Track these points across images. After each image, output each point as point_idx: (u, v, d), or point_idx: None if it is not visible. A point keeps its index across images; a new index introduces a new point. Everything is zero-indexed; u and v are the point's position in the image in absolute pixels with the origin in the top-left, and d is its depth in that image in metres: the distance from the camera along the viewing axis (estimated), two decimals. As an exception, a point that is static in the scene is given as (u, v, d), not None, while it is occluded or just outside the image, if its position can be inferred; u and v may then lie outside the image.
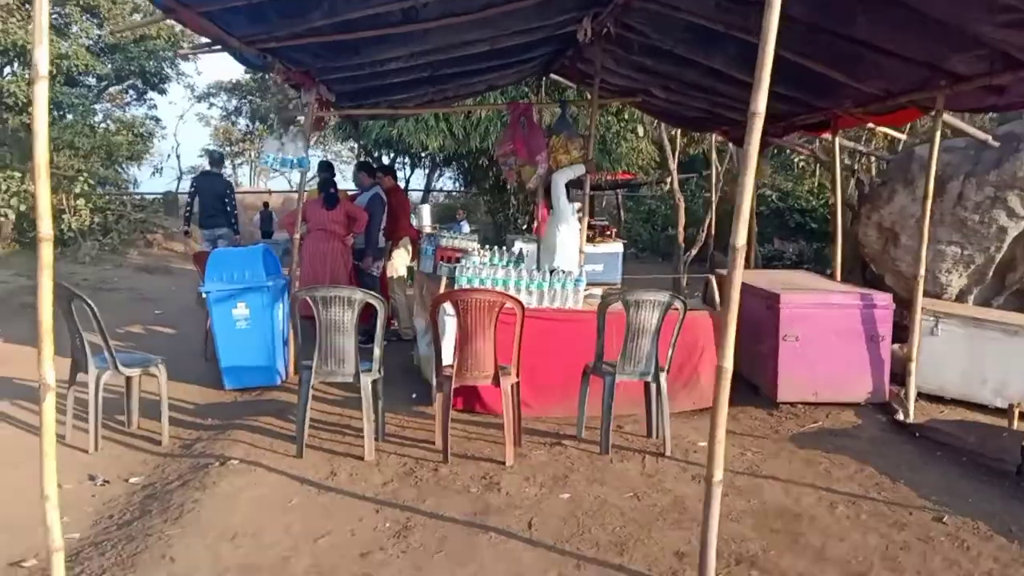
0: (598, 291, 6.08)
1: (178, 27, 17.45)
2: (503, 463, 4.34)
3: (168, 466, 4.26)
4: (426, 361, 5.97)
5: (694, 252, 13.11)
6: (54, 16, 15.66)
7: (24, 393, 5.57)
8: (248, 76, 22.56)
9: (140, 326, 8.45)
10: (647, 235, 20.40)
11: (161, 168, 20.34)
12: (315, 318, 4.24)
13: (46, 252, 2.61)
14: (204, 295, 5.87)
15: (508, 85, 10.12)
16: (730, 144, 12.38)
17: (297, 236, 7.11)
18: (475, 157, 15.09)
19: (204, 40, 4.80)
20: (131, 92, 17.46)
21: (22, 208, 11.46)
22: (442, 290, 5.53)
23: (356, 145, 16.26)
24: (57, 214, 13.62)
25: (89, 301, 4.33)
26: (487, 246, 7.03)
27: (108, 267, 13.23)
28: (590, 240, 10.36)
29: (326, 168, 7.78)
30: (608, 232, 19.49)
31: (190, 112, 45.33)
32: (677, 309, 4.50)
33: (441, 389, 4.36)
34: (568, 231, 6.37)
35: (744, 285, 5.90)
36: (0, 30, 12.77)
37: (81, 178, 13.43)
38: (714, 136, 12.87)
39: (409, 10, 4.82)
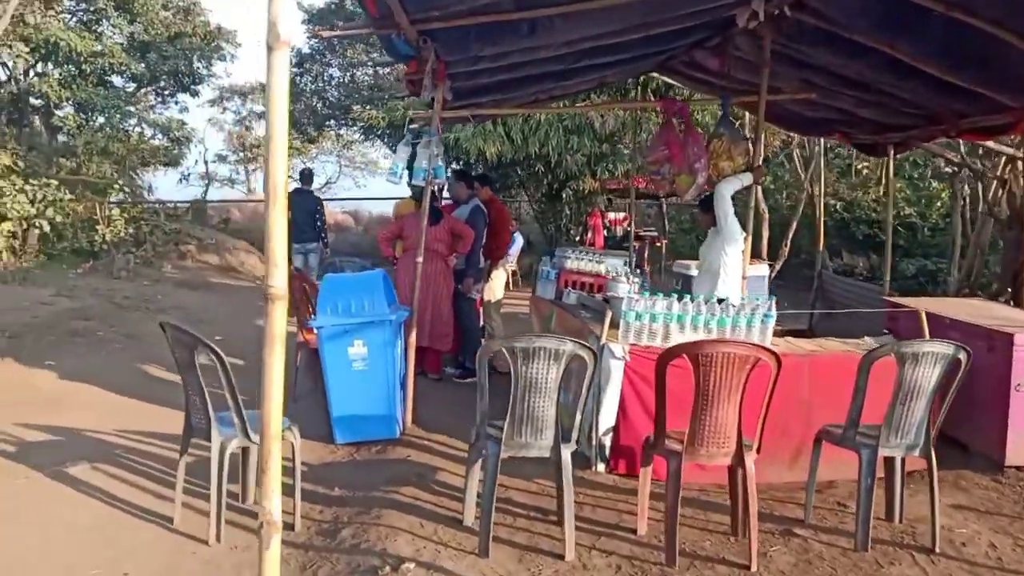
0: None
1: (214, 23, 16.54)
2: (744, 566, 3.35)
3: (320, 568, 3.27)
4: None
5: (778, 267, 12.14)
6: (82, 12, 14.77)
7: (100, 451, 4.60)
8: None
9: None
10: (687, 248, 19.30)
11: (188, 175, 19.17)
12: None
13: (279, 317, 1.65)
14: (315, 330, 4.91)
15: (614, 83, 9.19)
16: (816, 145, 11.41)
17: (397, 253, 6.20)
18: (531, 163, 14.14)
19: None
20: (155, 95, 16.46)
21: (58, 219, 10.50)
22: (607, 326, 4.53)
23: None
24: (90, 224, 12.71)
25: (218, 350, 3.35)
26: (627, 270, 6.06)
27: (146, 282, 12.26)
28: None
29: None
30: (658, 243, 18.57)
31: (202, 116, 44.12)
32: (961, 361, 3.52)
33: (668, 466, 3.37)
34: (735, 253, 5.38)
35: (952, 321, 4.88)
36: (32, 25, 11.85)
37: (116, 186, 12.45)
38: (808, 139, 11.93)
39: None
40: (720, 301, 4.61)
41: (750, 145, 5.76)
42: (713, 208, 5.40)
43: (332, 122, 21.25)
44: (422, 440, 5.02)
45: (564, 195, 15.31)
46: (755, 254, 7.75)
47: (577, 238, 16.01)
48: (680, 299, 4.54)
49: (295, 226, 9.01)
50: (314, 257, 9.82)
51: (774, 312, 4.62)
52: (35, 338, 7.44)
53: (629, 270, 5.97)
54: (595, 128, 13.40)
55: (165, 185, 19.59)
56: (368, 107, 14.38)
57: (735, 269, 5.39)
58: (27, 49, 12.47)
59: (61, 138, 14.64)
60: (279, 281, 1.66)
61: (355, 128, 22.24)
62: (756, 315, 4.56)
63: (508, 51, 4.87)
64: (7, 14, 10.02)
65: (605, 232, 16.57)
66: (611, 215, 16.90)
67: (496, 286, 7.41)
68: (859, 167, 17.73)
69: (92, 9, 13.76)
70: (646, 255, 14.70)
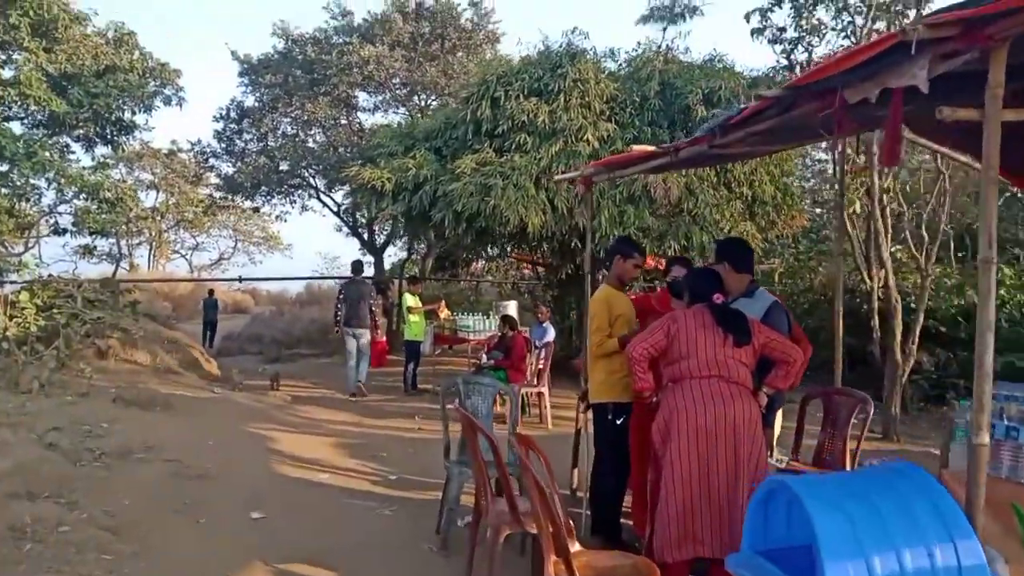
0: None
1: (158, 55, 13.18)
2: None
3: None
4: None
5: (906, 372, 9.69)
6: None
7: None
8: (216, 139, 18.07)
9: (265, 569, 4.23)
10: None
11: (93, 246, 15.19)
12: None
13: None
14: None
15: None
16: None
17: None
18: (567, 238, 11.49)
19: None
20: (76, 142, 12.75)
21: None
22: None
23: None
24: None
25: None
26: None
27: (70, 398, 8.56)
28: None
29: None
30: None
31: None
32: None
33: None
34: None
35: None
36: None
37: (28, 258, 8.82)
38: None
39: None
40: None
41: None
42: None
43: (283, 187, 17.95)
44: None
45: (599, 276, 12.68)
46: None
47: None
48: None
49: (351, 311, 10.73)
50: (365, 341, 10.92)
51: None
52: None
53: None
54: (652, 197, 10.95)
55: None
56: (366, 165, 11.35)
57: None
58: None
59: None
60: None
61: (305, 194, 19.00)
62: None
63: None
64: None
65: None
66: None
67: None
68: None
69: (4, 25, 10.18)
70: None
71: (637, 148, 4.46)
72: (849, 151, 13.73)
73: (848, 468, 4.33)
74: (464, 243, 12.40)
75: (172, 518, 4.88)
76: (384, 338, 16.04)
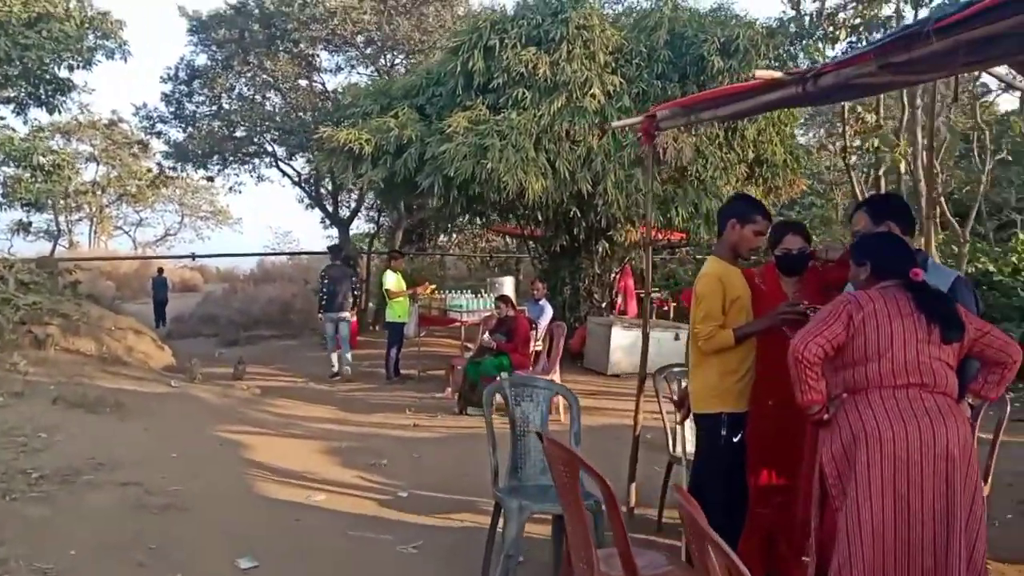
0: None
1: (99, 3, 11.57)
2: None
3: None
4: None
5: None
6: None
7: None
8: (164, 103, 16.40)
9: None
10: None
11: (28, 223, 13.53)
12: None
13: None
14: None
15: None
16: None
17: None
18: (566, 207, 10.38)
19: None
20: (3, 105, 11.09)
21: None
22: None
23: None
24: None
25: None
26: None
27: (2, 400, 7.22)
28: None
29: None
30: (665, 306, 15.23)
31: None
32: None
33: None
34: None
35: None
36: None
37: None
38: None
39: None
40: None
41: None
42: None
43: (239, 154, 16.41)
44: None
45: (599, 248, 11.61)
46: None
47: (603, 304, 12.34)
48: None
49: (330, 296, 10.38)
50: (344, 326, 10.60)
51: None
52: None
53: None
54: (662, 160, 9.85)
55: None
56: (342, 126, 10.04)
57: None
58: None
59: None
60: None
61: (262, 163, 17.49)
62: None
63: None
64: None
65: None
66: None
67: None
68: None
69: None
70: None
71: (760, 74, 3.35)
72: (860, 109, 13.00)
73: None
74: (452, 213, 11.18)
75: (134, 574, 3.69)
76: (354, 318, 14.77)
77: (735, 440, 3.35)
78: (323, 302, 10.50)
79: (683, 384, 4.63)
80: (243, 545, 4.11)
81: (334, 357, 10.49)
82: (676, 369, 4.66)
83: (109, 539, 4.00)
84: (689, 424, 3.73)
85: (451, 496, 5.20)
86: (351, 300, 10.59)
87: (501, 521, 3.75)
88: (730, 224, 3.46)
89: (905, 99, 11.46)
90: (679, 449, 4.52)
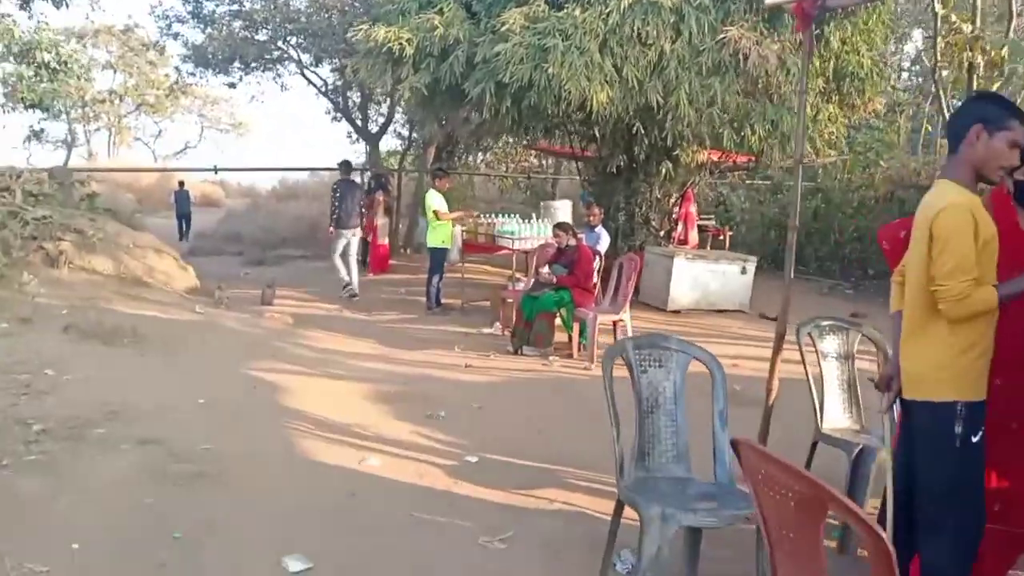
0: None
1: None
2: None
3: None
4: None
5: None
6: None
7: None
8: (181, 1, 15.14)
9: None
10: (756, 242, 14.82)
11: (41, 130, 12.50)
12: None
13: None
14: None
15: None
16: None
17: None
18: (629, 121, 9.22)
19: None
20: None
21: None
22: None
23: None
24: None
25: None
26: None
27: (7, 326, 6.45)
28: None
29: None
30: (720, 235, 14.17)
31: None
32: None
33: None
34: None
35: None
36: None
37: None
38: None
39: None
40: None
41: None
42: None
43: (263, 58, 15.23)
44: None
45: (663, 169, 10.47)
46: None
47: (662, 233, 11.29)
48: None
49: (345, 212, 10.35)
50: (356, 241, 10.73)
51: None
52: None
53: None
54: (740, 66, 8.62)
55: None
56: (378, 24, 8.87)
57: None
58: None
59: None
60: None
61: (286, 71, 16.31)
62: None
63: None
64: None
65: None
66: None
67: None
68: None
69: None
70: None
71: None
72: (955, 17, 11.57)
73: None
74: (502, 127, 10.06)
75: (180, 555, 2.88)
76: (386, 241, 13.85)
77: (974, 440, 2.41)
78: (336, 217, 10.40)
79: (848, 341, 3.69)
80: (289, 532, 3.28)
81: (352, 274, 10.45)
82: (825, 323, 3.71)
83: (123, 526, 3.19)
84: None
85: (528, 463, 4.36)
86: (357, 216, 10.78)
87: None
88: (973, 132, 2.41)
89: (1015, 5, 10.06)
90: (826, 425, 3.62)
